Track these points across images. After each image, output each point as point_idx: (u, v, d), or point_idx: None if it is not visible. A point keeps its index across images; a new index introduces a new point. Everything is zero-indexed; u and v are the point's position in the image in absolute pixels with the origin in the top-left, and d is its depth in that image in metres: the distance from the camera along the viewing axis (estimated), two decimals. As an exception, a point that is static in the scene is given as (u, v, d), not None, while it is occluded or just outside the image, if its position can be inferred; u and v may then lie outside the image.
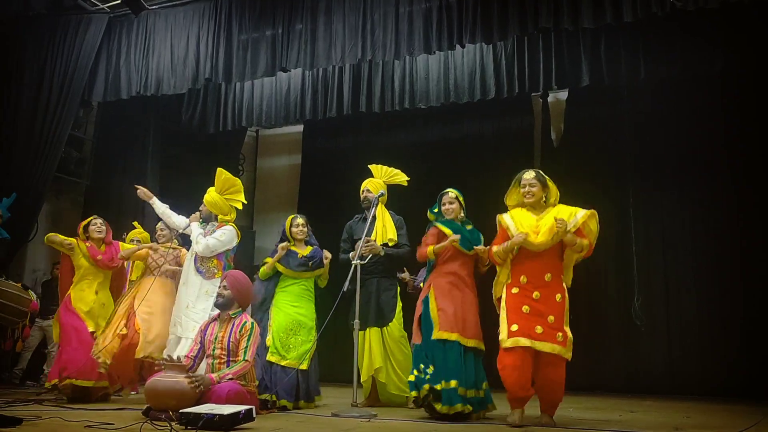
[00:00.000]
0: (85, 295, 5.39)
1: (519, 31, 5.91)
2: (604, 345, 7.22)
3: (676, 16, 5.31)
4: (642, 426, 4.19)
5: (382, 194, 5.23)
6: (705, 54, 6.33)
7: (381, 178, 5.44)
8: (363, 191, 5.45)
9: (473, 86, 7.05)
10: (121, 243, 5.79)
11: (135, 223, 6.31)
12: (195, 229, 5.37)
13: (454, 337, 4.30)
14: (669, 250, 7.29)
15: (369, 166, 5.51)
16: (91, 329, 5.29)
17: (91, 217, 5.67)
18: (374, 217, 5.20)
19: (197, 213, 5.50)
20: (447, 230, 4.55)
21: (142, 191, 5.69)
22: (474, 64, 7.06)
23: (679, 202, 7.31)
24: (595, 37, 6.55)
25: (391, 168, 5.46)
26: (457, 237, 4.46)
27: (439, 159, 8.28)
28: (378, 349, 5.08)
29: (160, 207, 5.65)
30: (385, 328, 5.13)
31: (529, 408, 4.12)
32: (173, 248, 5.82)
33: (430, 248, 4.57)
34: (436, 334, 4.33)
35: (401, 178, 5.45)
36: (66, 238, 5.52)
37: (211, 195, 5.36)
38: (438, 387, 4.19)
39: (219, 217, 5.36)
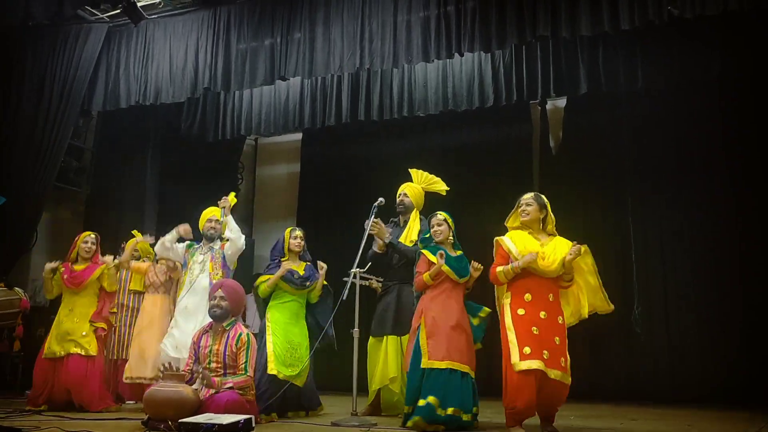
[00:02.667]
0: (61, 315, 5.33)
1: (517, 40, 5.91)
2: (605, 351, 7.20)
3: (673, 21, 5.32)
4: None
5: (381, 202, 5.13)
6: (702, 58, 6.32)
7: (419, 183, 5.36)
8: (399, 195, 5.34)
9: (472, 94, 7.05)
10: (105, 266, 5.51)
11: (134, 232, 6.30)
12: (234, 224, 5.37)
13: (444, 365, 4.24)
14: (668, 254, 7.26)
15: (410, 170, 5.44)
16: (49, 355, 5.18)
17: (86, 234, 5.58)
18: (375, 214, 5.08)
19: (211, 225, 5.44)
20: (432, 257, 4.52)
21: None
22: (472, 72, 7.07)
23: (677, 207, 7.28)
24: (592, 45, 6.56)
25: (432, 175, 5.40)
26: (441, 262, 4.41)
27: (437, 167, 8.18)
28: (394, 359, 4.92)
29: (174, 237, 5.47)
30: (403, 337, 4.88)
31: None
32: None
33: (426, 275, 4.49)
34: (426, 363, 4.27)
35: (440, 186, 5.35)
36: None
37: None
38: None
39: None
